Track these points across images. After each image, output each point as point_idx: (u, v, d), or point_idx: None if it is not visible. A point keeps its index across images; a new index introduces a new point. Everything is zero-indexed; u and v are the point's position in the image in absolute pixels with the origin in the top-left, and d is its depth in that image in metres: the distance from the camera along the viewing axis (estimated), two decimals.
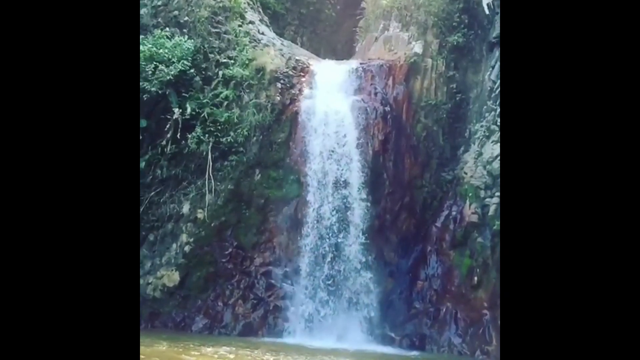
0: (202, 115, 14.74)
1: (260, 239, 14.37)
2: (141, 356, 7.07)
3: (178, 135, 14.61)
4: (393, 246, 14.54)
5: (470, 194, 13.89)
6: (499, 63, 14.30)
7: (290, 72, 15.46)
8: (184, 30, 15.53)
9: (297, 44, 19.35)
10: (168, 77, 14.42)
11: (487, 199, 13.58)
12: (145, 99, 14.25)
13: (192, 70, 14.90)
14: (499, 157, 13.28)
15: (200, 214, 14.37)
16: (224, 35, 15.71)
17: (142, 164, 14.32)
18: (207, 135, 14.62)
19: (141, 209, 14.10)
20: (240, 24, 16.01)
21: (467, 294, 13.27)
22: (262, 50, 15.62)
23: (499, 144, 13.56)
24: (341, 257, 14.02)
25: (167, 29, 15.28)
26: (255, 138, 14.73)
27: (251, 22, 16.36)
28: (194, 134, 14.62)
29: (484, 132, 14.40)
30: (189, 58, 14.80)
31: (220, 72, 15.23)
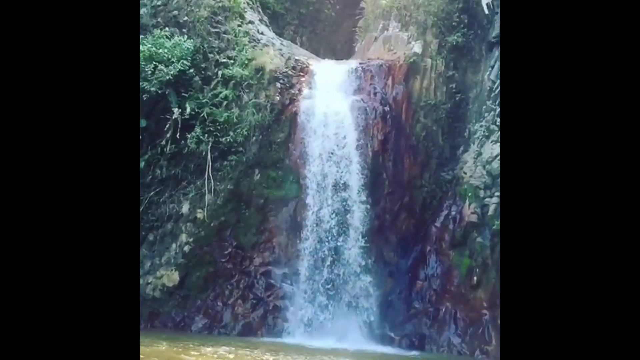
0: (202, 115, 14.74)
1: (259, 239, 14.36)
2: (141, 356, 7.06)
3: (177, 135, 14.61)
4: (392, 246, 14.53)
5: (469, 194, 13.89)
6: (498, 63, 14.30)
7: (290, 72, 15.45)
8: (184, 30, 15.52)
9: (296, 44, 19.35)
10: (167, 77, 14.42)
11: (487, 199, 13.58)
12: (144, 98, 14.24)
13: (191, 70, 14.90)
14: (498, 157, 13.28)
15: (199, 214, 14.37)
16: (224, 35, 15.71)
17: (142, 164, 14.31)
18: (206, 135, 14.62)
19: (141, 209, 14.09)
20: (240, 23, 16.00)
21: (467, 294, 13.27)
22: (262, 50, 15.61)
23: (498, 143, 13.56)
24: (340, 261, 13.94)
25: (167, 28, 15.28)
26: (254, 138, 14.73)
27: (251, 22, 16.36)
28: (193, 133, 14.62)
29: (484, 131, 14.40)
30: (189, 58, 14.80)
31: (220, 72, 15.23)
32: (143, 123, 14.24)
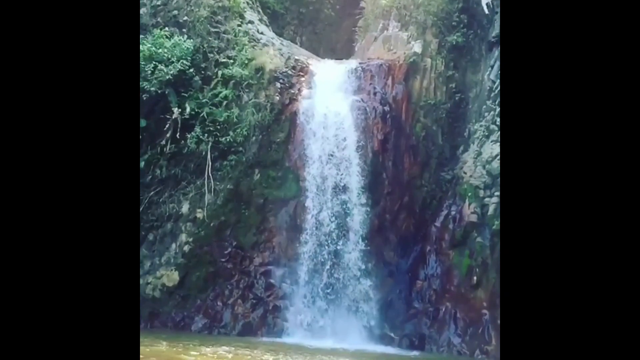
0: (202, 115, 14.74)
1: (259, 239, 14.36)
2: (141, 356, 7.06)
3: (177, 135, 14.61)
4: (392, 246, 14.52)
5: (469, 194, 13.88)
6: (498, 62, 14.29)
7: (290, 72, 15.45)
8: (184, 29, 15.52)
9: (296, 44, 19.34)
10: (167, 77, 14.42)
11: (487, 199, 13.57)
12: (144, 98, 14.25)
13: (191, 70, 14.90)
14: (498, 157, 13.28)
15: (199, 214, 14.37)
16: (223, 35, 15.71)
17: (142, 164, 14.31)
18: (206, 134, 14.62)
19: (141, 209, 14.09)
20: (240, 23, 16.00)
21: (467, 294, 13.27)
22: (262, 50, 15.61)
23: (498, 143, 13.56)
24: (340, 265, 13.89)
25: (167, 28, 15.28)
26: (254, 138, 14.73)
27: (250, 22, 16.36)
28: (193, 133, 14.62)
29: (484, 131, 14.40)
30: (188, 58, 14.80)
31: (220, 72, 15.23)
32: (143, 123, 14.24)
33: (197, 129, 14.65)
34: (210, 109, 14.80)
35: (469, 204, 13.78)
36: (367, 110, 15.04)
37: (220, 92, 14.99)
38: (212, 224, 14.34)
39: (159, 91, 14.51)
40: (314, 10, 22.73)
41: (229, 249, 14.30)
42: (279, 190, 14.51)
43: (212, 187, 14.40)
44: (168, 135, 14.62)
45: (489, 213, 13.34)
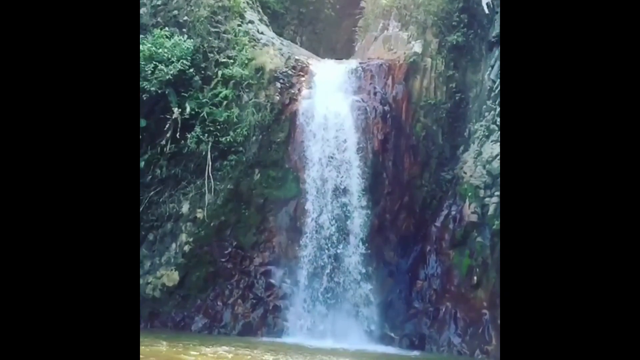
0: (202, 114, 14.74)
1: (259, 239, 14.35)
2: (141, 356, 7.06)
3: (177, 135, 14.61)
4: (392, 246, 14.51)
5: (469, 194, 13.88)
6: (498, 62, 14.29)
7: (290, 72, 15.44)
8: (184, 29, 15.52)
9: (296, 44, 19.34)
10: (167, 77, 14.42)
11: (487, 199, 13.57)
12: (144, 98, 14.25)
13: (191, 70, 14.89)
14: (498, 157, 13.27)
15: (199, 214, 14.37)
16: (224, 35, 15.71)
17: (142, 164, 14.31)
18: (206, 134, 14.62)
19: (141, 209, 14.09)
20: (240, 23, 16.00)
21: (467, 294, 13.26)
22: (262, 50, 15.61)
23: (498, 143, 13.55)
24: (340, 269, 13.82)
25: (167, 28, 15.28)
26: (254, 138, 14.73)
27: (250, 22, 16.36)
28: (193, 133, 14.62)
29: (484, 131, 14.39)
30: (189, 57, 14.80)
31: (220, 72, 15.23)
32: (143, 123, 14.24)
33: (197, 129, 14.65)
34: (210, 108, 14.80)
35: (469, 204, 13.78)
36: (367, 110, 15.03)
37: (220, 92, 14.99)
38: (212, 224, 14.34)
39: (159, 91, 14.51)
40: (314, 10, 22.72)
41: (229, 249, 14.30)
42: (279, 190, 14.51)
43: (212, 187, 14.40)
44: (168, 135, 14.62)
45: (489, 213, 13.34)
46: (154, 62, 14.40)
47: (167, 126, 14.61)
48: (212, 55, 15.45)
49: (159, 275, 14.12)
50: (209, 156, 14.55)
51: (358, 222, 14.10)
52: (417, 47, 15.88)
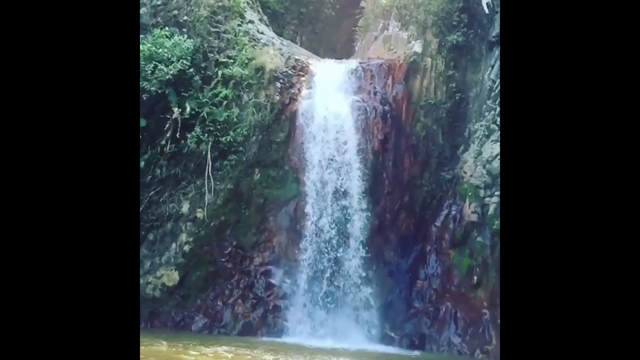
0: (202, 114, 14.74)
1: (259, 239, 14.35)
2: (141, 356, 7.06)
3: (177, 135, 14.61)
4: (392, 246, 14.50)
5: (469, 193, 13.88)
6: (498, 62, 14.29)
7: (290, 72, 15.44)
8: (184, 29, 15.52)
9: (296, 43, 19.34)
10: (167, 77, 14.42)
11: (487, 198, 13.57)
12: (144, 98, 14.25)
13: (191, 70, 14.89)
14: (498, 157, 13.27)
15: (199, 214, 14.37)
16: (224, 35, 15.71)
17: (142, 164, 14.31)
18: (206, 134, 14.62)
19: (141, 209, 14.09)
20: (240, 23, 16.00)
21: (467, 294, 13.26)
22: (262, 50, 15.60)
23: (498, 143, 13.55)
24: (340, 273, 13.77)
25: (167, 28, 15.28)
26: (254, 137, 14.73)
27: (250, 22, 16.35)
28: (193, 133, 14.62)
29: (484, 131, 14.39)
30: (189, 57, 14.79)
31: (220, 72, 15.22)
32: (143, 123, 14.23)
33: (197, 129, 14.65)
34: (210, 108, 14.80)
35: (470, 204, 13.77)
36: (367, 110, 15.02)
37: (220, 92, 14.99)
38: (212, 224, 14.34)
39: (159, 91, 14.51)
40: (314, 10, 22.72)
41: (229, 249, 14.30)
42: (279, 190, 14.50)
43: (212, 186, 14.40)
44: (168, 135, 14.62)
45: (490, 213, 13.33)
46: (154, 62, 14.40)
47: (167, 126, 14.61)
48: (212, 55, 15.45)
49: (159, 275, 14.12)
50: (209, 156, 14.55)
51: (358, 225, 14.05)
52: (417, 46, 15.87)
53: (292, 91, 15.20)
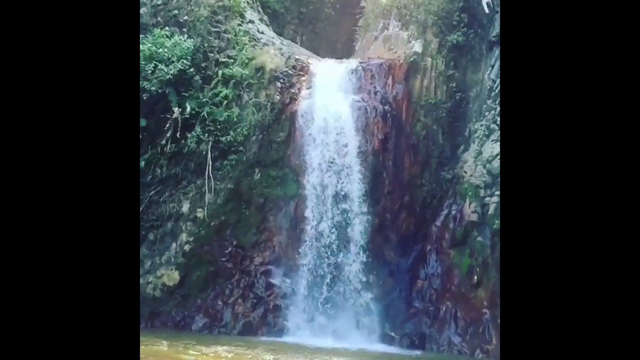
0: (202, 114, 14.74)
1: (260, 238, 14.35)
2: (141, 356, 7.07)
3: (178, 135, 14.61)
4: (393, 245, 14.50)
5: (470, 193, 13.88)
6: (498, 62, 14.29)
7: (290, 71, 15.44)
8: (184, 29, 15.52)
9: (296, 43, 19.33)
10: (168, 77, 14.42)
11: (487, 198, 13.57)
12: (145, 98, 14.24)
13: (191, 70, 14.89)
14: (498, 156, 13.27)
15: (200, 213, 14.37)
16: (224, 35, 15.71)
17: (142, 163, 14.31)
18: (206, 134, 14.62)
19: (141, 208, 14.09)
20: (240, 23, 16.00)
21: (467, 293, 13.26)
22: (262, 50, 15.60)
23: (498, 142, 13.56)
24: (341, 278, 13.71)
25: (167, 28, 15.27)
26: (254, 137, 14.72)
27: (251, 21, 16.35)
28: (193, 133, 14.62)
29: (484, 131, 14.39)
30: (189, 57, 14.79)
31: (220, 71, 15.22)
32: (143, 122, 14.23)
33: (198, 129, 14.65)
34: (210, 108, 14.80)
35: (470, 203, 13.78)
36: (367, 110, 15.02)
37: (220, 92, 14.99)
38: (212, 224, 14.34)
39: (159, 91, 14.51)
40: (314, 9, 22.71)
41: (230, 249, 14.30)
42: (280, 189, 14.50)
43: (213, 186, 14.40)
44: (168, 134, 14.62)
45: (490, 212, 13.34)
46: (154, 62, 14.40)
47: (167, 126, 14.61)
48: (212, 54, 15.45)
49: (160, 275, 14.12)
50: (209, 156, 14.55)
51: (358, 229, 14.00)
52: (418, 46, 15.87)
53: (293, 91, 15.19)
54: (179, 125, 14.59)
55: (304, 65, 15.74)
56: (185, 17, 15.74)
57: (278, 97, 15.00)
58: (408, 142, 15.19)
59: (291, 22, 21.99)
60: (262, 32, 16.37)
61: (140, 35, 14.27)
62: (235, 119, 14.73)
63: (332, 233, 13.94)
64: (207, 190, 14.34)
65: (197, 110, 14.74)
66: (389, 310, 13.86)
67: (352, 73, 15.71)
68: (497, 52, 14.53)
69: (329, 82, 15.44)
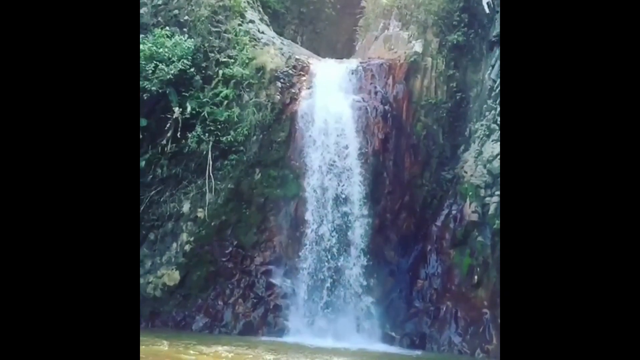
0: (202, 114, 14.74)
1: (260, 238, 14.35)
2: (141, 356, 7.07)
3: (178, 135, 14.61)
4: (393, 245, 14.50)
5: (470, 193, 13.88)
6: (499, 62, 14.29)
7: (290, 71, 15.44)
8: (184, 29, 15.53)
9: (297, 43, 19.33)
10: (168, 76, 14.42)
11: (487, 198, 13.57)
12: (145, 98, 14.25)
13: (192, 70, 14.90)
14: (499, 156, 13.27)
15: (200, 213, 14.37)
16: (224, 34, 15.71)
17: (143, 163, 14.31)
18: (207, 134, 14.63)
19: (141, 208, 14.10)
20: (240, 23, 16.00)
21: (467, 293, 13.26)
22: (262, 49, 15.60)
23: (499, 142, 13.56)
24: (341, 282, 13.66)
25: (167, 28, 15.28)
26: (255, 137, 14.72)
27: (251, 21, 16.36)
28: (194, 133, 14.63)
29: (484, 130, 14.39)
30: (189, 57, 14.80)
31: (220, 71, 15.23)
32: (143, 122, 14.24)
33: (198, 129, 14.66)
34: (211, 108, 14.80)
35: (470, 203, 13.78)
36: (367, 110, 15.02)
37: (221, 92, 15.00)
38: (213, 224, 14.34)
39: (160, 90, 14.51)
40: (314, 9, 22.71)
41: (230, 249, 14.30)
42: (280, 189, 14.50)
43: (213, 186, 14.40)
44: (169, 134, 14.63)
45: (490, 212, 13.34)
46: (155, 62, 14.40)
47: (167, 126, 14.61)
48: (212, 54, 15.46)
49: (160, 275, 14.12)
50: (209, 156, 14.55)
51: (359, 232, 13.96)
52: (418, 46, 15.87)
53: (293, 91, 15.19)
54: (180, 125, 14.59)
55: (305, 65, 15.74)
56: (186, 17, 15.75)
57: (278, 97, 15.00)
58: (408, 142, 15.19)
59: (291, 22, 21.99)
60: (263, 32, 16.38)
61: (141, 35, 14.28)
62: (235, 118, 14.73)
63: (332, 236, 13.89)
64: (207, 190, 14.34)
65: (197, 110, 14.74)
66: (390, 310, 13.86)
67: (352, 73, 15.71)
68: (497, 52, 14.53)
69: (330, 82, 15.43)
